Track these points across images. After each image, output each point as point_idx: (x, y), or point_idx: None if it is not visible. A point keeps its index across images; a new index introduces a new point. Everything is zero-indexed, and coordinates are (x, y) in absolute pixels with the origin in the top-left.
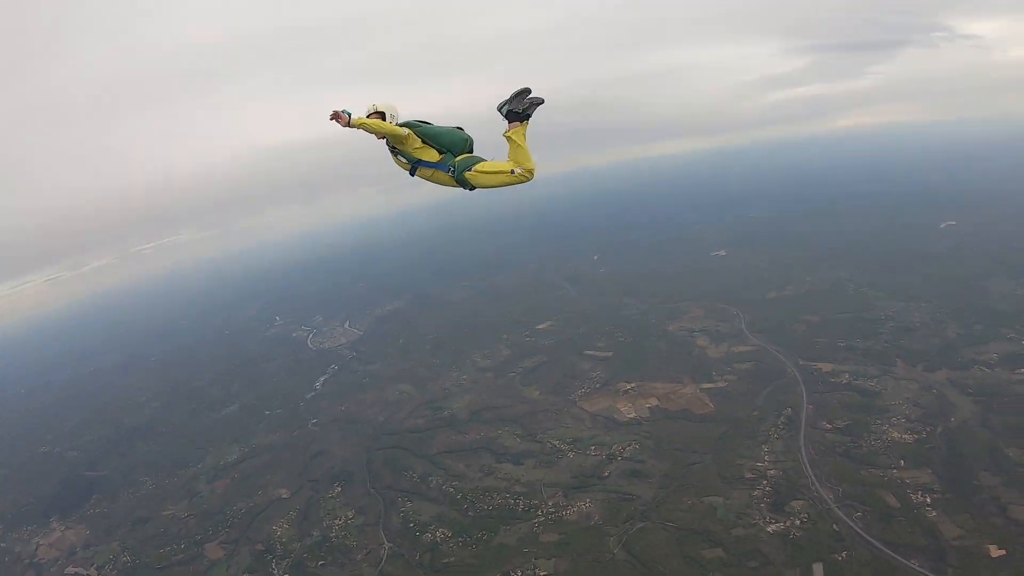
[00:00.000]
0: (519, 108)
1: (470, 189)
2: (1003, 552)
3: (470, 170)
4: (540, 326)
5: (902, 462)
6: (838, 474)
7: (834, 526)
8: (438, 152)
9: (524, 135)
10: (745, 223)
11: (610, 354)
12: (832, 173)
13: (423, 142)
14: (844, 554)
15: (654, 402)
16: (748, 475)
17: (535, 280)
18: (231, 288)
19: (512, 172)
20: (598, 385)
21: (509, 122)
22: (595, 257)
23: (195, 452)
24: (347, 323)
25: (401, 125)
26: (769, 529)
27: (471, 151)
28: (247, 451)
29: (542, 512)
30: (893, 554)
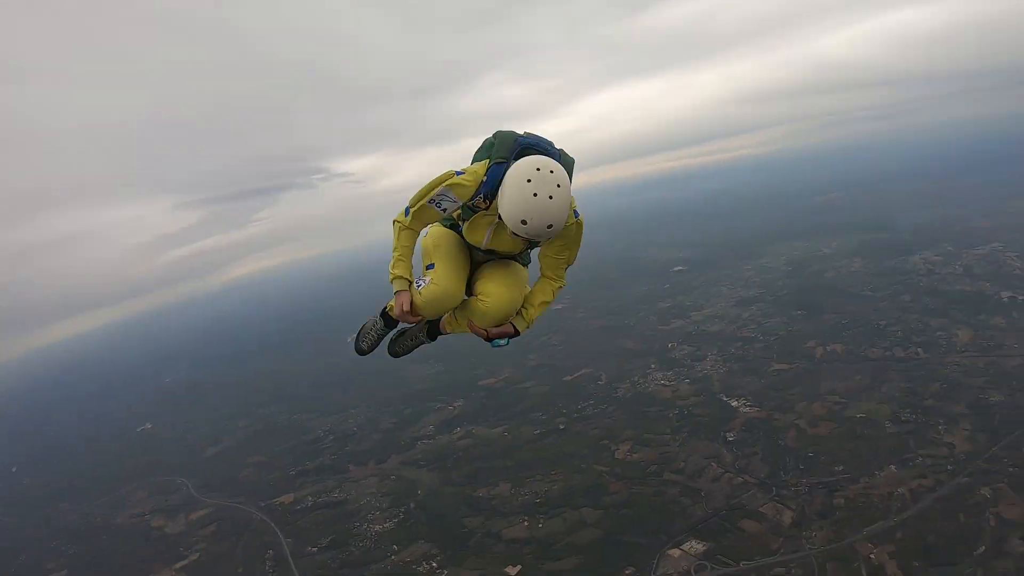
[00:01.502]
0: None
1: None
2: (519, 567)
3: None
4: None
5: (395, 547)
6: None
7: None
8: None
9: None
10: (163, 389)
11: (64, 573)
12: (236, 320)
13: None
14: None
15: None
16: None
17: None
18: None
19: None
20: None
21: None
22: (13, 469)
23: None
24: None
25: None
26: None
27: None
28: None
29: None
30: None
